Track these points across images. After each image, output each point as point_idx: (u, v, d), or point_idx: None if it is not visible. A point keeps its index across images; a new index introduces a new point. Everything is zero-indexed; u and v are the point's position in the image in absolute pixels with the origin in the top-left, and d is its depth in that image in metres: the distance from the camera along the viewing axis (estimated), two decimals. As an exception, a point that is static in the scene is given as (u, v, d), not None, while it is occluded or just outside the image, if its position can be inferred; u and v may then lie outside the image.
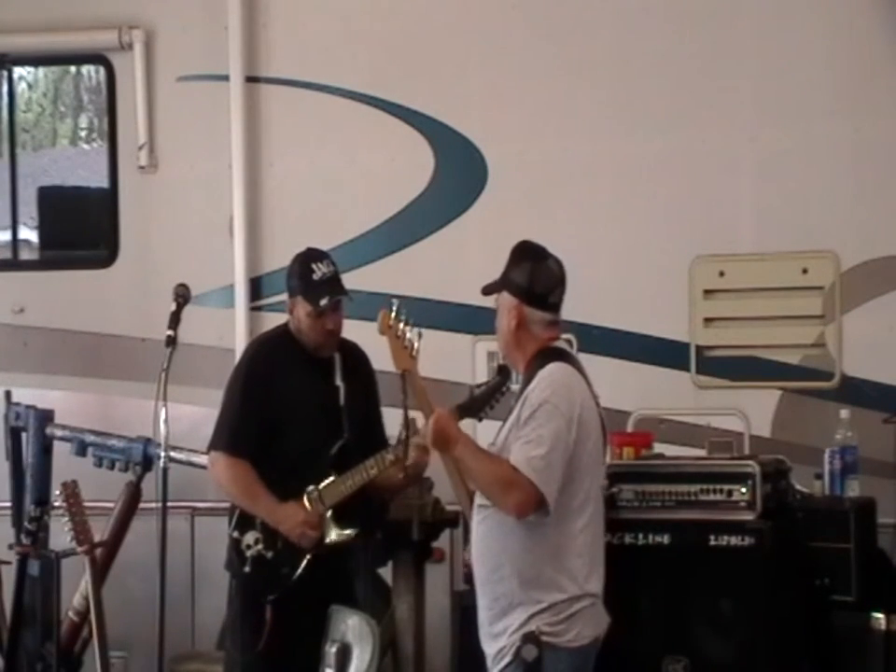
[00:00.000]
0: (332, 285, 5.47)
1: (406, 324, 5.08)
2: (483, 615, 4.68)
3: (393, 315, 5.04)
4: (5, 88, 7.93)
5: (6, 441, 7.22)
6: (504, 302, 4.75)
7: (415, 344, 5.05)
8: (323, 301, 5.42)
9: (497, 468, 4.55)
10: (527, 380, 4.67)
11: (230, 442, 5.47)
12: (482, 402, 5.14)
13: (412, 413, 5.07)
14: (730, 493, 5.66)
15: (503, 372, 5.13)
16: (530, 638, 4.51)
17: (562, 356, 4.73)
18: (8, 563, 6.48)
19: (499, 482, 4.53)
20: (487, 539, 4.65)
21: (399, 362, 5.05)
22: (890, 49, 6.61)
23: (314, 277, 5.46)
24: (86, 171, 8.12)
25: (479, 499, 4.68)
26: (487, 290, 4.84)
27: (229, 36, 7.43)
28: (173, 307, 5.69)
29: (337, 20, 7.40)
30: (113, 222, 7.70)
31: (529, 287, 4.69)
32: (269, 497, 5.39)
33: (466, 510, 4.88)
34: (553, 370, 4.62)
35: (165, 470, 5.57)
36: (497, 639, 4.62)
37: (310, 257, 5.53)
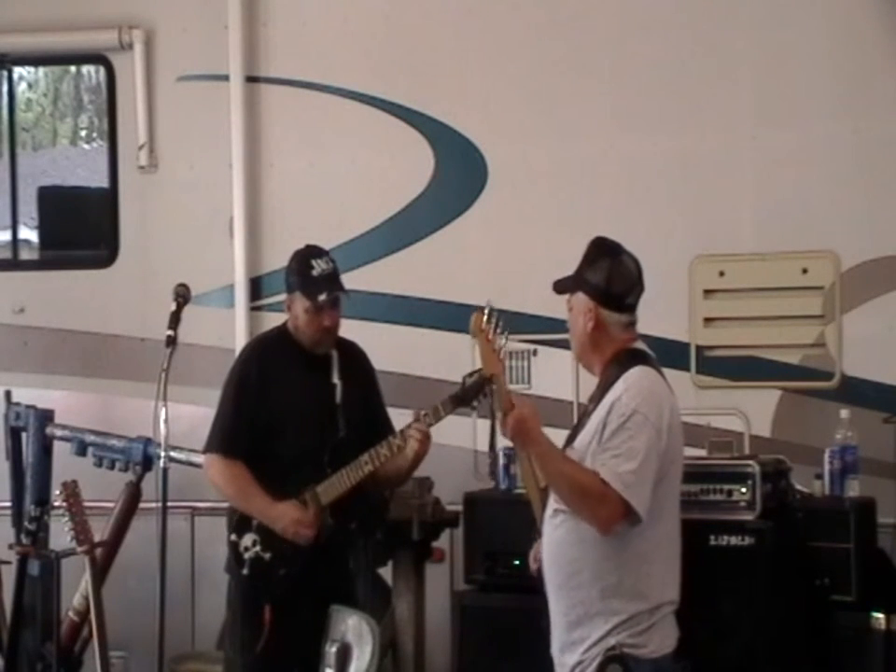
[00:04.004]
0: (331, 281, 5.46)
1: (497, 328, 4.83)
2: (558, 621, 4.46)
3: (486, 318, 4.80)
4: (5, 88, 7.93)
5: (6, 441, 7.21)
6: (579, 303, 4.48)
7: (503, 350, 4.84)
8: (321, 297, 5.41)
9: (585, 479, 4.29)
10: (607, 383, 4.43)
11: (224, 444, 5.47)
12: (474, 392, 5.14)
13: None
14: (730, 493, 5.67)
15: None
16: (614, 658, 4.31)
17: (643, 358, 4.48)
18: (8, 563, 6.47)
19: (588, 494, 4.29)
20: (564, 545, 4.42)
21: (488, 366, 4.83)
22: (890, 49, 6.61)
23: (312, 273, 5.45)
24: (86, 171, 8.11)
25: (555, 503, 4.46)
26: (560, 288, 4.56)
27: (229, 36, 7.43)
28: (173, 307, 5.67)
29: (337, 20, 7.40)
30: (113, 222, 7.70)
31: (607, 289, 4.45)
32: (263, 496, 5.38)
33: (536, 510, 4.66)
34: (638, 375, 4.39)
35: (165, 470, 5.55)
36: (573, 649, 4.41)
37: (309, 253, 5.53)
